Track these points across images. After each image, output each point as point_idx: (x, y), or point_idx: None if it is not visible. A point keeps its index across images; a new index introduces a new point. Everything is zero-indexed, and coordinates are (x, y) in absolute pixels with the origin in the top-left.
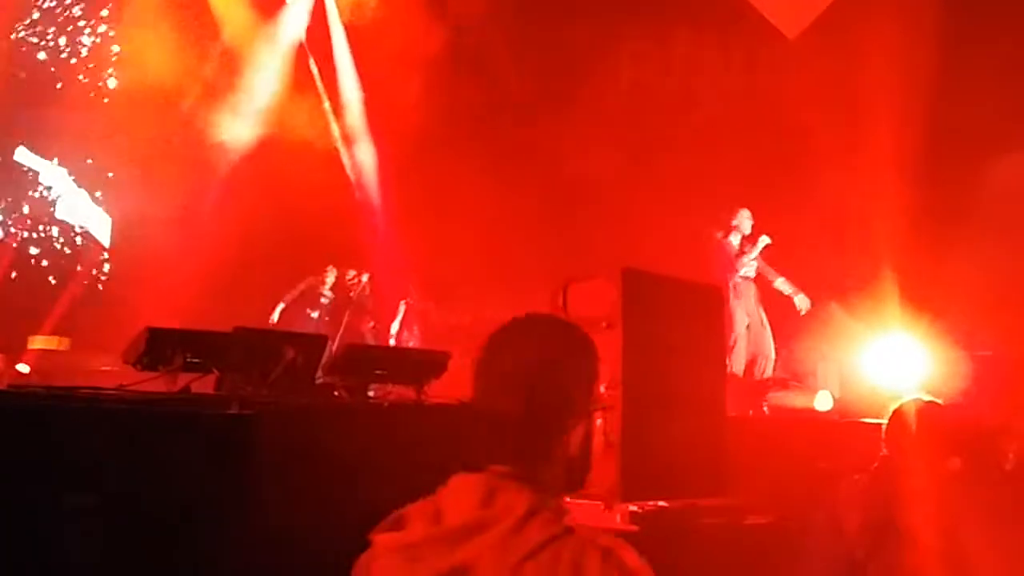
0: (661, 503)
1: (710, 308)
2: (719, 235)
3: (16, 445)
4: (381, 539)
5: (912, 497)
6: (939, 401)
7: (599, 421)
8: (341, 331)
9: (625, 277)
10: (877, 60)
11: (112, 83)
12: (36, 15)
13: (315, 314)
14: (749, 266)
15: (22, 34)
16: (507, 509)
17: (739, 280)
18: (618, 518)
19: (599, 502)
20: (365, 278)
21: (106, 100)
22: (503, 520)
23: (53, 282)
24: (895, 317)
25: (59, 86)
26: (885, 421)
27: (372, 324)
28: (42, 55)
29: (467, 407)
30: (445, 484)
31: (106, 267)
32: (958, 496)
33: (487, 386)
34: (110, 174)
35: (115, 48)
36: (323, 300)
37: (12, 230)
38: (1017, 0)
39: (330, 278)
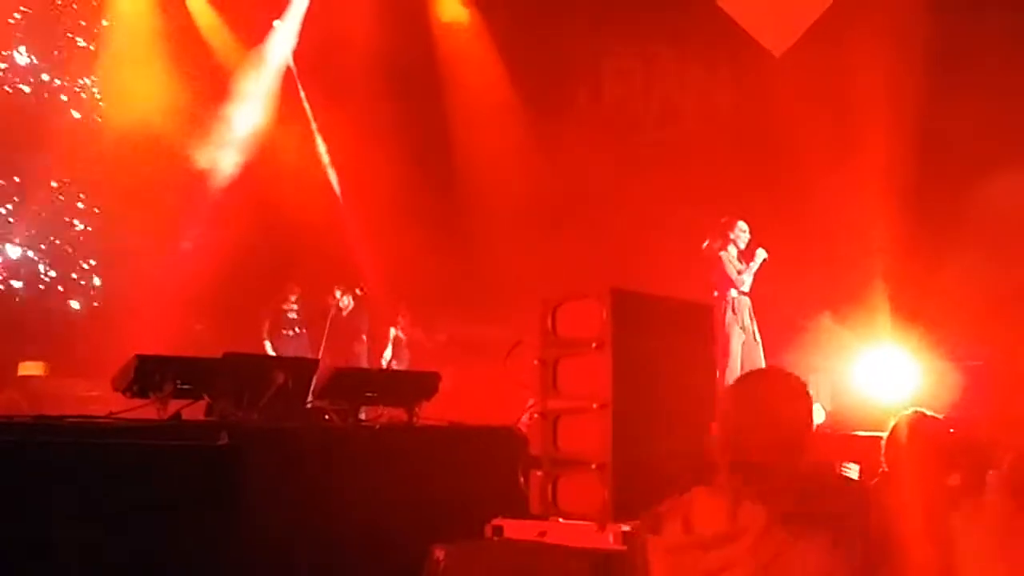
0: None
1: (700, 326)
2: (714, 245)
3: (6, 475)
4: (649, 540)
5: (911, 514)
6: (937, 415)
7: None
8: (321, 352)
9: (614, 297)
10: (866, 74)
11: (100, 111)
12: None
13: (290, 332)
14: (747, 280)
15: (4, 65)
16: (750, 522)
17: (736, 295)
18: (610, 538)
19: (591, 523)
20: (346, 300)
21: (92, 115)
22: (750, 531)
23: (38, 308)
24: (887, 329)
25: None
26: (884, 436)
27: (365, 339)
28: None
29: (458, 428)
30: (688, 495)
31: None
32: (957, 512)
33: (739, 426)
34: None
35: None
36: (291, 316)
37: None
38: (1005, 15)
39: (292, 295)
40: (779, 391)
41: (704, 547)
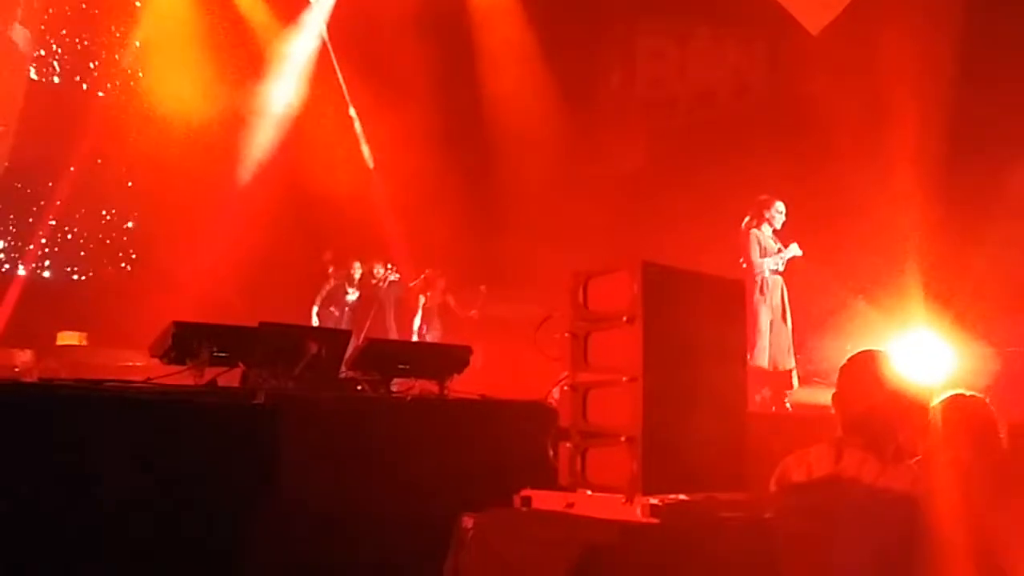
0: (681, 496)
1: (732, 302)
2: (751, 223)
3: (47, 438)
4: (777, 489)
5: (948, 496)
6: (979, 395)
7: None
8: (367, 327)
9: (645, 271)
10: (900, 54)
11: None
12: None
13: (337, 312)
14: (767, 264)
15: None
16: (851, 462)
17: (767, 275)
18: (638, 511)
19: (619, 495)
20: (393, 276)
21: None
22: (851, 468)
23: (78, 279)
24: (920, 313)
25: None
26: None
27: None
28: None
29: (488, 401)
30: (809, 449)
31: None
32: (989, 495)
33: (850, 397)
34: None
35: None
36: (348, 298)
37: None
38: None
39: (356, 273)
40: (880, 369)
41: (819, 484)
